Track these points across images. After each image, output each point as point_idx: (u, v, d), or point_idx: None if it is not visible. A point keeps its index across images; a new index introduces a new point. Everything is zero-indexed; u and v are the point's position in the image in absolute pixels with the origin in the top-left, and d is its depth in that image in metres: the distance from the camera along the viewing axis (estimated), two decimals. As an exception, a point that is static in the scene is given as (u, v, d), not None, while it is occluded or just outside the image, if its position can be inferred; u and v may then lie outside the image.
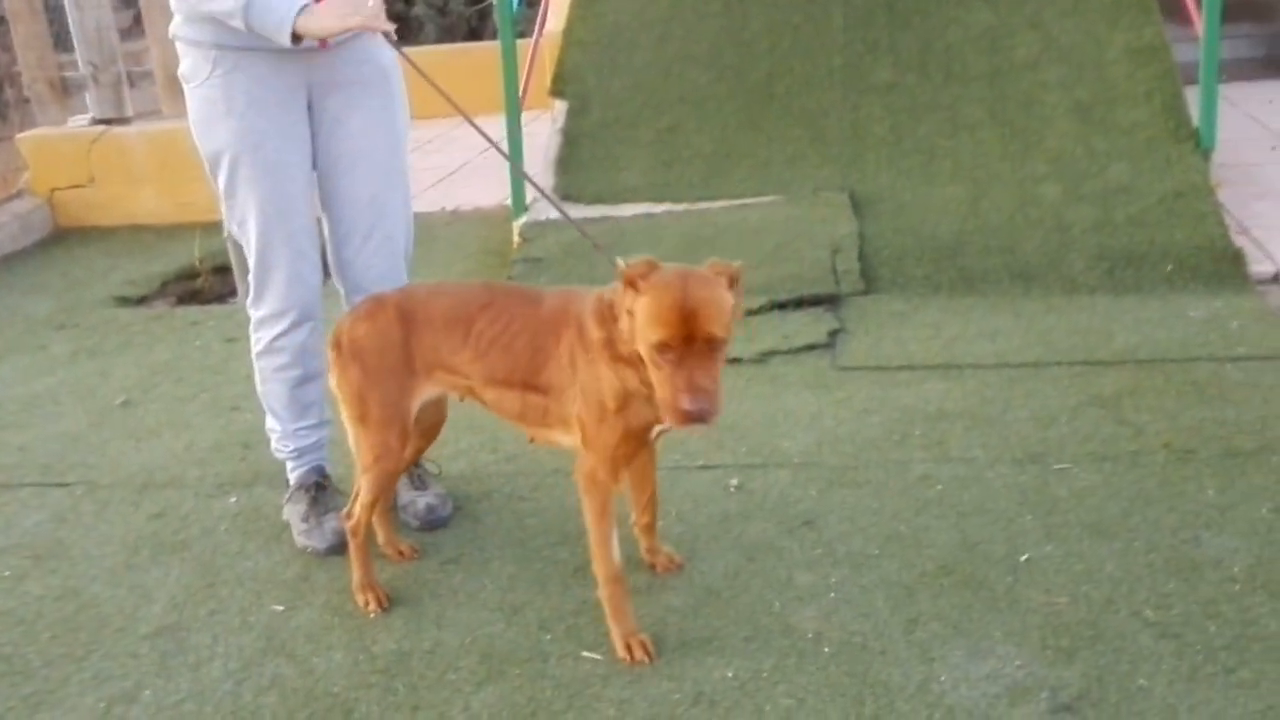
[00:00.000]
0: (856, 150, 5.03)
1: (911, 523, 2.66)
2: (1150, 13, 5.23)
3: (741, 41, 5.66)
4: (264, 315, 2.76)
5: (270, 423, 2.90)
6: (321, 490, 2.85)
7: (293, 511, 2.84)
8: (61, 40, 6.73)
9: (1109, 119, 4.89)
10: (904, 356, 3.57)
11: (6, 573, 2.84)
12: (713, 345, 1.98)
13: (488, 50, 7.60)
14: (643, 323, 2.01)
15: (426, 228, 5.54)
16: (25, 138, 6.39)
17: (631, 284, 2.04)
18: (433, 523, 2.82)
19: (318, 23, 2.38)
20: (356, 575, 2.56)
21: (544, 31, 5.92)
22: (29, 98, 6.76)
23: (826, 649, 2.24)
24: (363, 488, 2.53)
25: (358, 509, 2.54)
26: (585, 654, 2.29)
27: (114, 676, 2.39)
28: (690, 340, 1.96)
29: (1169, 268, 4.03)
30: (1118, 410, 3.13)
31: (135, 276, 5.15)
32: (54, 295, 5.16)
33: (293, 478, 2.90)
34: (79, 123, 6.47)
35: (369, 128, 2.69)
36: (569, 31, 5.96)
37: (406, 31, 8.96)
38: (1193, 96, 4.78)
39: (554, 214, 4.94)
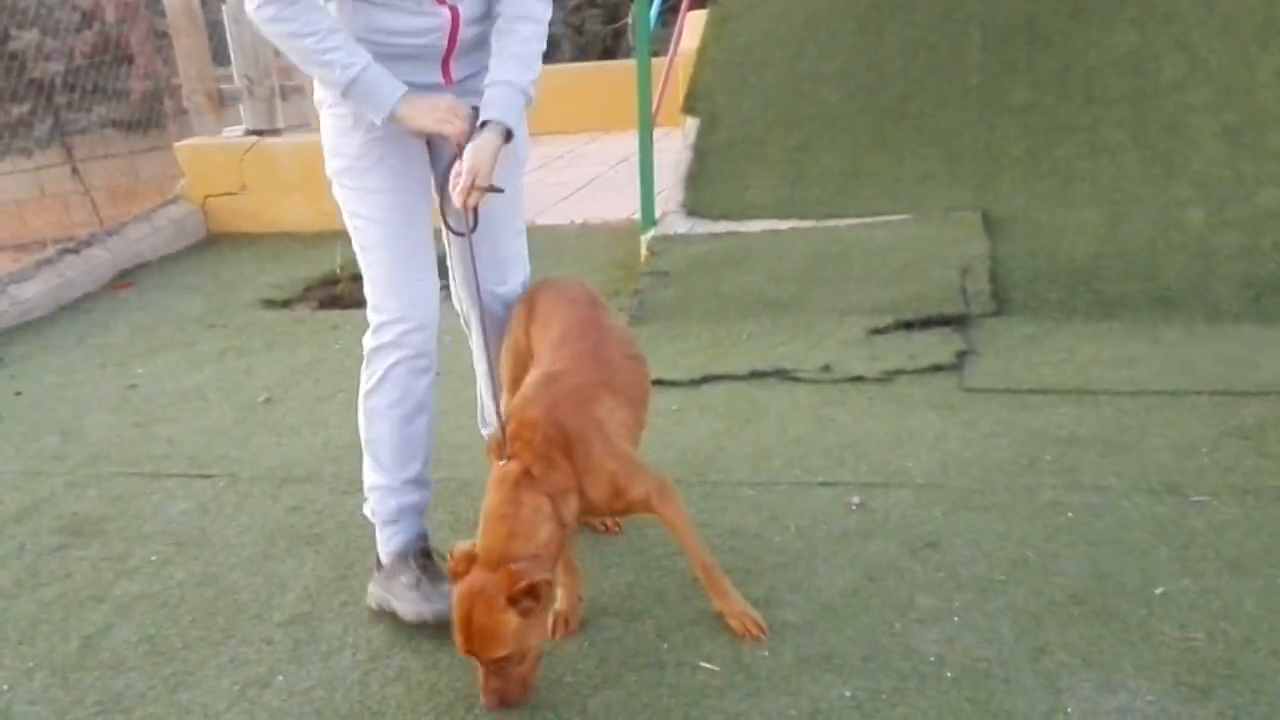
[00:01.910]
0: (990, 171, 4.95)
1: (1040, 549, 2.59)
2: (1306, 33, 5.02)
3: (875, 60, 5.62)
4: (383, 322, 2.61)
5: (372, 478, 2.67)
6: (428, 558, 2.62)
7: (396, 587, 2.57)
8: (219, 54, 7.04)
9: (1259, 143, 4.70)
10: (1035, 380, 3.49)
11: (152, 557, 2.99)
12: (495, 661, 2.12)
13: (622, 68, 7.70)
14: None
15: (556, 240, 5.64)
16: (182, 146, 6.71)
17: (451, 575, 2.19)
18: None
19: (415, 118, 2.38)
20: None
21: (679, 50, 5.97)
22: (187, 108, 7.07)
23: (948, 673, 2.21)
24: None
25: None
26: (702, 664, 2.30)
27: (249, 661, 2.49)
28: (476, 657, 2.14)
29: (1322, 298, 3.85)
30: (1262, 443, 3.00)
31: (281, 281, 5.37)
32: (205, 296, 5.41)
33: (391, 547, 2.64)
34: (233, 133, 6.74)
35: None
36: (703, 50, 6.01)
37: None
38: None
39: (682, 228, 5.01)
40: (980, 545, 2.63)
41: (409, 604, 2.53)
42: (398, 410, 2.62)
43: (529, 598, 2.09)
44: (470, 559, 2.15)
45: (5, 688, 2.50)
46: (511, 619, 2.09)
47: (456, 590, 2.13)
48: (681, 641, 2.39)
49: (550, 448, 2.23)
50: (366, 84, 2.35)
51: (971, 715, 2.09)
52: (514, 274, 2.75)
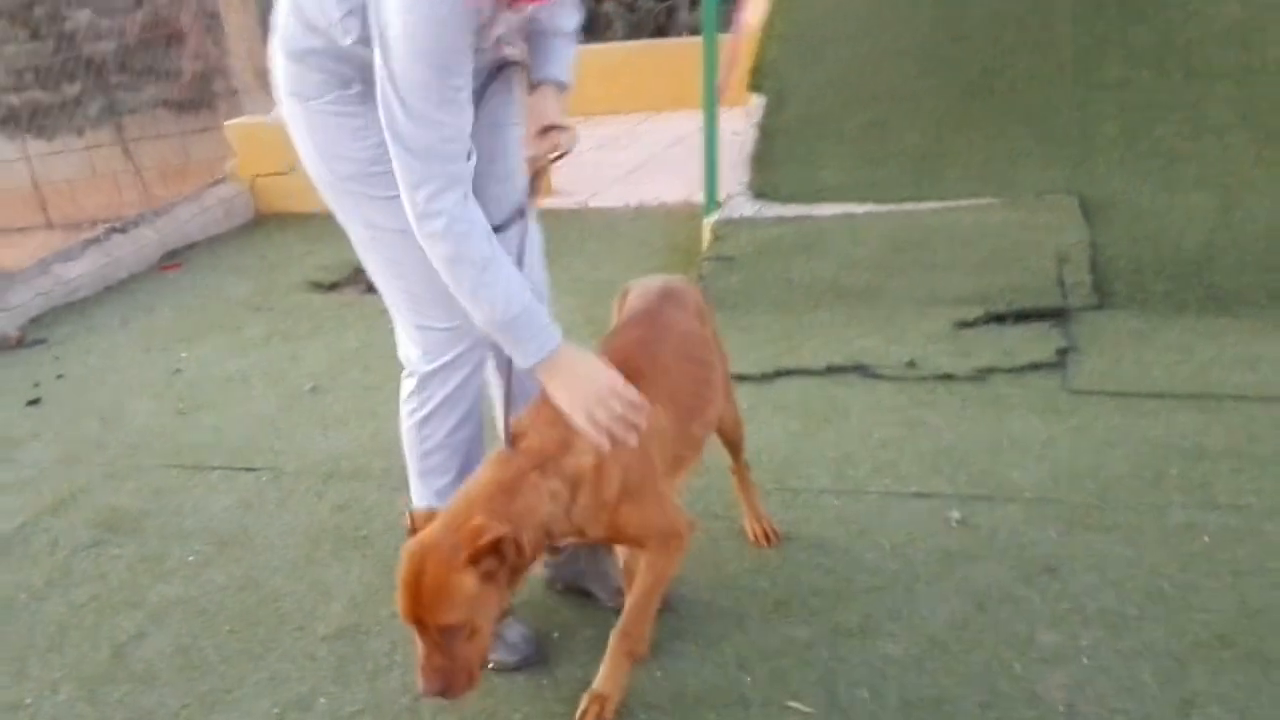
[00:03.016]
0: (1085, 151, 4.61)
1: (1176, 579, 2.29)
2: None
3: (958, 34, 5.30)
4: (438, 340, 2.27)
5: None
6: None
7: None
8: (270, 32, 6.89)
9: (1382, 123, 4.34)
10: (1148, 382, 3.17)
11: (191, 558, 2.81)
12: (442, 630, 1.82)
13: (675, 47, 7.44)
14: None
15: (610, 223, 5.41)
16: (232, 125, 6.58)
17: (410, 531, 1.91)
18: None
19: (554, 384, 2.00)
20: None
21: (743, 25, 5.69)
22: (237, 89, 6.94)
23: (1082, 726, 1.94)
24: None
25: None
26: (791, 704, 2.05)
27: (290, 679, 2.29)
28: (421, 623, 1.83)
29: None
30: None
31: (328, 263, 5.18)
32: (252, 278, 5.25)
33: None
34: (282, 113, 6.59)
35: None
36: (769, 25, 5.73)
37: (595, 27, 8.87)
38: None
39: (748, 211, 4.74)
40: (1105, 572, 2.33)
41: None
42: (462, 432, 2.32)
43: (493, 556, 1.81)
44: (429, 518, 1.89)
45: (29, 701, 2.33)
46: (468, 581, 1.80)
47: (407, 544, 1.86)
48: (766, 675, 2.13)
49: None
50: (525, 323, 1.99)
51: (1109, 775, 1.82)
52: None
